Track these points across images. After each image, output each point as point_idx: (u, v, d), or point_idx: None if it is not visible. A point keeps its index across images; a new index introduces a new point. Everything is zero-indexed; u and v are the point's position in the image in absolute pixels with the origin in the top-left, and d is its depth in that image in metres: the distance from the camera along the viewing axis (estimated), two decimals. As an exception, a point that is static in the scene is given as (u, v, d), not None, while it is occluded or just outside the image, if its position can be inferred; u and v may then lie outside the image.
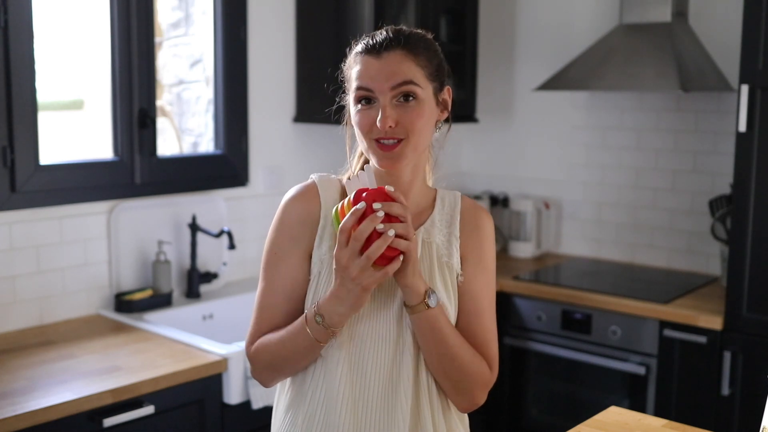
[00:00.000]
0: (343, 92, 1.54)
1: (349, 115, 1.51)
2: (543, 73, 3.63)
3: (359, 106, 1.45)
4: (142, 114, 2.73)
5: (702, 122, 3.32)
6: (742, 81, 2.67)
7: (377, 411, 1.46)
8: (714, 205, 3.15)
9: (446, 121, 1.54)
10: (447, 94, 1.51)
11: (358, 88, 1.44)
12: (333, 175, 1.57)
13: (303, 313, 1.47)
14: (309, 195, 1.51)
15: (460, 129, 3.96)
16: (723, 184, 3.24)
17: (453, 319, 1.50)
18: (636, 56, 3.14)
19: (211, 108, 3.05)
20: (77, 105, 2.97)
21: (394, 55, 1.43)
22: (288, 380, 1.55)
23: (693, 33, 3.21)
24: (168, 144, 3.18)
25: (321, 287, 1.47)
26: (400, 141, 1.43)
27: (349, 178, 1.46)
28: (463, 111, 3.51)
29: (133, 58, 2.70)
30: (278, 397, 1.58)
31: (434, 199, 1.57)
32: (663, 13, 3.14)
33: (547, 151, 3.76)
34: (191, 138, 3.18)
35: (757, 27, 2.64)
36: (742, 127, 2.68)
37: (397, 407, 1.46)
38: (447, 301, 1.49)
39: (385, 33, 1.46)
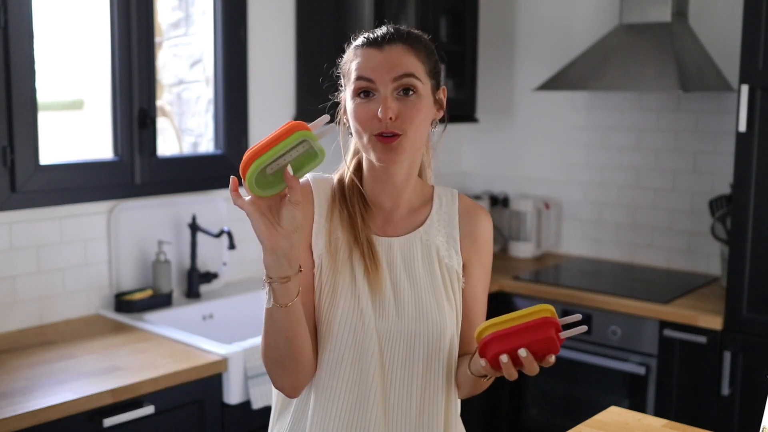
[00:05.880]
0: (336, 90, 1.53)
1: (344, 111, 1.50)
2: (543, 73, 3.63)
3: (358, 99, 1.43)
4: (142, 114, 2.73)
5: (702, 122, 3.32)
6: (742, 81, 2.67)
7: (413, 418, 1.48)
8: (714, 205, 3.15)
9: (441, 121, 1.54)
10: (443, 94, 1.52)
11: (359, 79, 1.42)
12: (327, 175, 1.56)
13: (314, 302, 1.47)
14: (303, 192, 1.50)
15: (460, 129, 3.96)
16: (723, 184, 3.24)
17: (453, 321, 1.50)
18: (636, 56, 3.14)
19: (211, 108, 3.05)
20: (77, 105, 2.97)
21: (396, 48, 1.43)
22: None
23: (693, 33, 3.21)
24: (168, 144, 3.18)
25: (324, 281, 1.46)
26: (397, 136, 1.42)
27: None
28: (463, 111, 3.50)
29: (133, 58, 2.70)
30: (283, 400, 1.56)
31: (431, 197, 1.57)
32: (663, 13, 3.14)
33: (546, 151, 3.76)
34: (191, 138, 3.18)
35: (757, 27, 2.64)
36: (742, 127, 2.68)
37: (434, 417, 1.50)
38: (447, 304, 1.49)
39: (385, 28, 1.46)
